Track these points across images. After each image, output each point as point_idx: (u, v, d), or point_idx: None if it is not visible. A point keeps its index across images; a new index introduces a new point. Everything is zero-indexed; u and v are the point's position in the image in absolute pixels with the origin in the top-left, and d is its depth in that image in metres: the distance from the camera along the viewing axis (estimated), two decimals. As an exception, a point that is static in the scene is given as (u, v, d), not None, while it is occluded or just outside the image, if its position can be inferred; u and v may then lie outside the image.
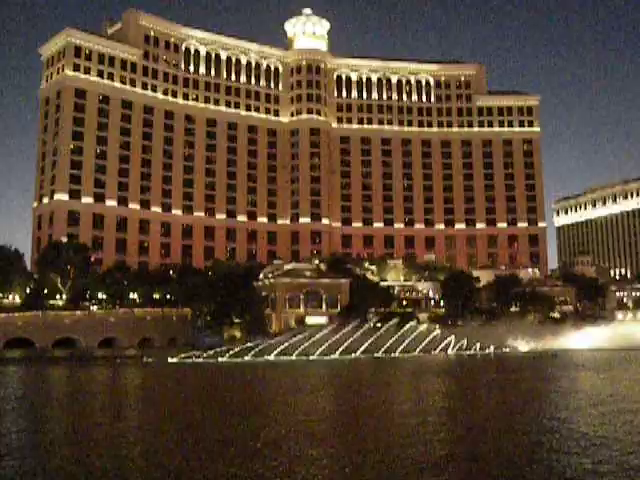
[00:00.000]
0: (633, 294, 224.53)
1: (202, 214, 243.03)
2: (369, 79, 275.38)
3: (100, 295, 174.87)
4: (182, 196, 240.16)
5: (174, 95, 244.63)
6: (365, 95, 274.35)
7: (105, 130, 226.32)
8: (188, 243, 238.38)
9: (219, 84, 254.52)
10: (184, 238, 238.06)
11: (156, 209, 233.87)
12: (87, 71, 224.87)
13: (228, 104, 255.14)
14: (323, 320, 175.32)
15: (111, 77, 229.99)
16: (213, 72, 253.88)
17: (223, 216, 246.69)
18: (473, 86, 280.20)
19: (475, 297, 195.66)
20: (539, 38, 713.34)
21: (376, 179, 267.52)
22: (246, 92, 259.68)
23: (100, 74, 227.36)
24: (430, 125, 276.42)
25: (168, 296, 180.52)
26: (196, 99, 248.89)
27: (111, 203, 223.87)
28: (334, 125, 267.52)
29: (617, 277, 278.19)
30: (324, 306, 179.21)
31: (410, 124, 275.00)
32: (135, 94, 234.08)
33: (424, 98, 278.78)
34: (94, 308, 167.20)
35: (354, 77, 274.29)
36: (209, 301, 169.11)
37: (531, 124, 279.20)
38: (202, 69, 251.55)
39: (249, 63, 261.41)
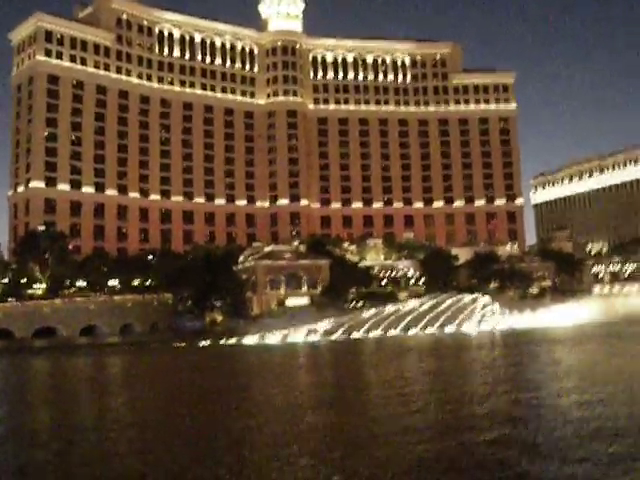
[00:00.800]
0: (609, 268, 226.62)
1: (180, 198, 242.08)
2: (345, 59, 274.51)
3: (79, 283, 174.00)
4: (160, 181, 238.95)
5: (149, 79, 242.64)
6: (341, 75, 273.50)
7: (79, 116, 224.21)
8: (167, 228, 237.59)
9: (194, 67, 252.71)
10: (163, 223, 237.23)
11: (134, 194, 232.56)
12: (59, 56, 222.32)
13: (204, 87, 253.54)
14: (304, 301, 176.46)
15: (84, 62, 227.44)
16: (188, 55, 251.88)
17: (201, 200, 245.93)
18: (449, 64, 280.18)
19: (454, 274, 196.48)
20: (514, 15, 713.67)
21: (354, 159, 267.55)
22: (222, 74, 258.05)
23: (73, 59, 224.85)
24: (407, 104, 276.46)
25: (148, 282, 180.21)
26: (171, 82, 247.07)
27: (88, 190, 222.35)
28: (311, 106, 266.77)
29: (594, 252, 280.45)
30: (304, 287, 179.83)
31: (387, 103, 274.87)
32: (109, 79, 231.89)
33: (400, 77, 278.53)
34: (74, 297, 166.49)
35: (330, 57, 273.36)
36: (189, 285, 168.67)
37: (507, 101, 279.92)
38: (176, 52, 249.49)
39: (224, 45, 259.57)
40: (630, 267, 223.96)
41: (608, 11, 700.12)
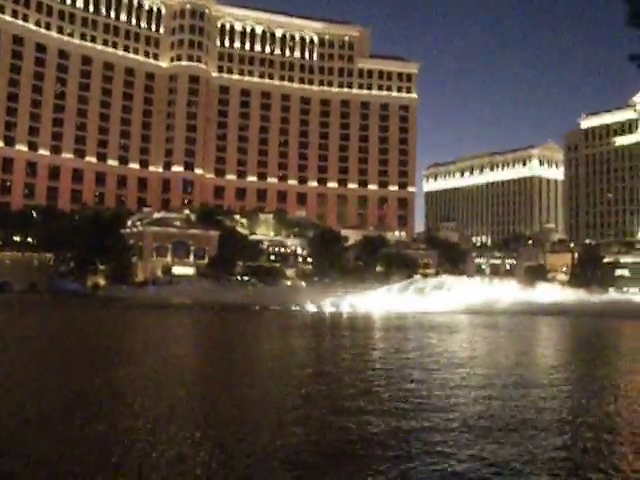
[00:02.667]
0: (491, 261, 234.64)
1: (71, 156, 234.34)
2: (253, 30, 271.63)
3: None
4: (50, 135, 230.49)
5: (48, 28, 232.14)
6: (248, 47, 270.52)
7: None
8: (54, 185, 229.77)
9: (97, 21, 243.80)
10: (50, 180, 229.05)
11: (21, 147, 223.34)
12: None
13: (105, 43, 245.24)
14: (190, 271, 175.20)
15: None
16: (92, 8, 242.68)
17: (93, 159, 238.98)
18: (356, 48, 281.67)
19: (343, 256, 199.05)
20: (425, 5, 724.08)
21: (253, 132, 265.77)
22: (125, 32, 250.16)
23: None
24: (311, 83, 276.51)
25: (30, 239, 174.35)
26: (71, 35, 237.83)
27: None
28: (214, 74, 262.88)
29: (478, 244, 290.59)
30: (192, 257, 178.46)
31: (291, 80, 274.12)
32: (4, 22, 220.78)
33: (307, 55, 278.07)
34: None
35: (238, 27, 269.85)
36: (73, 247, 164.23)
37: (409, 90, 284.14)
38: (79, 3, 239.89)
39: (130, 1, 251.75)
40: (509, 262, 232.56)
41: (517, 14, 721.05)
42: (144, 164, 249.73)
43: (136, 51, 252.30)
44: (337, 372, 34.42)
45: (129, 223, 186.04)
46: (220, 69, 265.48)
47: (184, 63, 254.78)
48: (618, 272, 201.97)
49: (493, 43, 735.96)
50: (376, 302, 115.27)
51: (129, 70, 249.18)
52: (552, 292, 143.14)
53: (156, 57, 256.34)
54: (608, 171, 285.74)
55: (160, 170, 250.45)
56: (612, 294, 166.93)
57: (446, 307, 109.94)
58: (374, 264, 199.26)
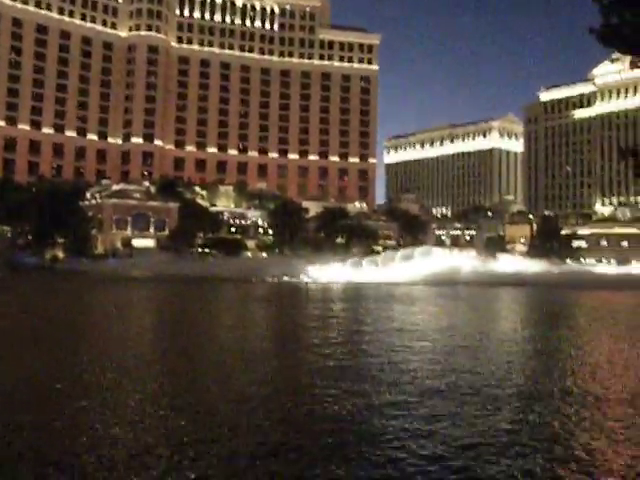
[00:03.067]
0: (451, 232, 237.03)
1: (27, 127, 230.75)
2: (213, 0, 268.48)
3: None
4: (5, 106, 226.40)
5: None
6: (208, 16, 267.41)
7: None
8: (11, 157, 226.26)
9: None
10: (6, 151, 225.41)
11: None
12: None
13: (61, 11, 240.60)
14: (150, 243, 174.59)
15: None
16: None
17: (50, 130, 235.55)
18: (317, 18, 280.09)
19: (303, 227, 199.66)
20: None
21: (213, 103, 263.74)
22: (82, 0, 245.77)
23: None
24: (271, 53, 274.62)
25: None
26: (26, 2, 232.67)
27: None
28: (174, 44, 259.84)
29: (438, 216, 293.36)
30: (152, 229, 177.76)
31: (251, 50, 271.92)
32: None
33: (267, 25, 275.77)
34: None
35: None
36: (31, 219, 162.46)
37: (370, 62, 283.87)
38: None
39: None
40: (469, 233, 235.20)
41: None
42: (103, 135, 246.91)
43: (93, 20, 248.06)
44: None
45: (88, 195, 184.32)
46: (180, 39, 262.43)
47: (143, 33, 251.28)
48: (575, 243, 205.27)
49: (455, 15, 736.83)
50: (342, 273, 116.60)
51: (86, 39, 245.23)
52: (514, 263, 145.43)
53: (114, 26, 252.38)
54: (567, 144, 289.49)
55: (119, 142, 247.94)
56: (571, 265, 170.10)
57: (409, 277, 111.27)
58: (335, 235, 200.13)
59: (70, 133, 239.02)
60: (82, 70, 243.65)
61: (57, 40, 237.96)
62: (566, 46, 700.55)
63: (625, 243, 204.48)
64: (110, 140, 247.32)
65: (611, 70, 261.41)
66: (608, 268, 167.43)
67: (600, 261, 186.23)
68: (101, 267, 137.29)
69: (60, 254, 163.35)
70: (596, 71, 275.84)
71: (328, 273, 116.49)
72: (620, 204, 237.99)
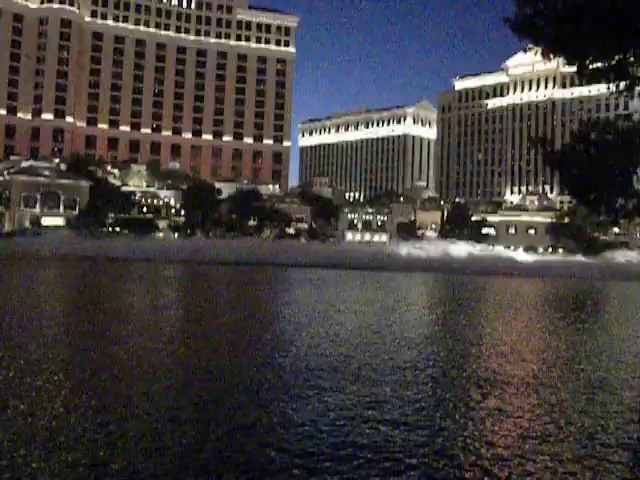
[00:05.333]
0: (363, 217, 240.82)
1: None
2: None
3: None
4: None
5: None
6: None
7: None
8: None
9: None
10: None
11: None
12: None
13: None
14: (60, 222, 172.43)
15: None
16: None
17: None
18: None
19: (216, 209, 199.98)
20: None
21: (126, 81, 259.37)
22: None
23: None
24: (187, 32, 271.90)
25: None
26: None
27: None
28: (87, 19, 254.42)
29: (351, 200, 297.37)
30: (61, 208, 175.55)
31: (167, 28, 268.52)
32: None
33: (185, 3, 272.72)
34: None
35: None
36: None
37: (287, 44, 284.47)
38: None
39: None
40: (381, 218, 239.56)
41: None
42: (12, 110, 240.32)
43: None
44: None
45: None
46: (93, 14, 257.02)
47: (55, 6, 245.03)
48: (485, 230, 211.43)
49: (373, 0, 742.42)
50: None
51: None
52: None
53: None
54: (479, 132, 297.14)
55: (29, 117, 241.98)
56: (495, 250, 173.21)
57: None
58: (247, 218, 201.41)
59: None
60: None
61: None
62: (485, 35, 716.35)
63: (532, 231, 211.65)
64: (20, 115, 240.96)
65: (524, 61, 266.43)
66: (525, 255, 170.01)
67: (508, 248, 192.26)
68: (8, 245, 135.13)
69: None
70: (510, 62, 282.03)
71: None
72: (529, 193, 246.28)
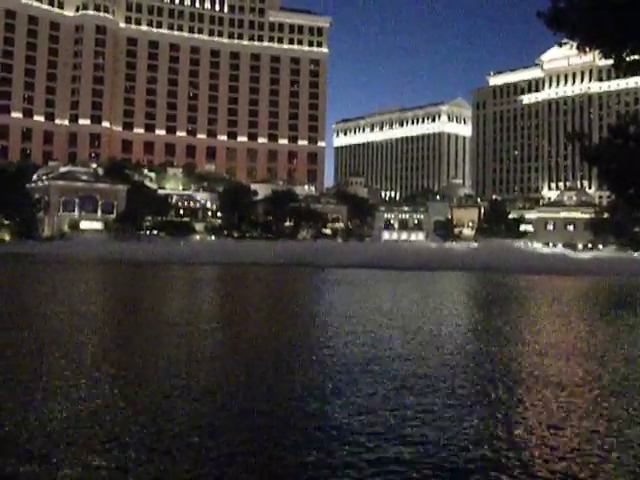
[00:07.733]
0: (399, 216, 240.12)
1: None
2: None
3: None
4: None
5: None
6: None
7: None
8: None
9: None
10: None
11: None
12: None
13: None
14: (98, 226, 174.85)
15: None
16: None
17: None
18: (267, 0, 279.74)
19: (252, 210, 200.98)
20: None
21: (161, 85, 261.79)
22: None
23: None
24: (221, 35, 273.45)
25: None
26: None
27: None
28: (122, 25, 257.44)
29: (387, 199, 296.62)
30: (99, 212, 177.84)
31: (200, 32, 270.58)
32: None
33: (217, 7, 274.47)
34: None
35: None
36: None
37: (320, 45, 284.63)
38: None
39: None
40: (417, 217, 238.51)
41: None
42: (50, 117, 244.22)
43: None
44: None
45: (34, 177, 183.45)
46: (128, 19, 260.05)
47: (90, 12, 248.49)
48: (522, 227, 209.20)
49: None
50: None
51: (33, 19, 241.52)
52: None
53: (61, 5, 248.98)
54: (515, 128, 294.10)
55: (66, 123, 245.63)
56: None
57: None
58: (283, 218, 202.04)
59: (16, 114, 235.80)
60: (28, 50, 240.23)
61: (2, 19, 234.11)
62: (518, 30, 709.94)
63: (571, 227, 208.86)
64: (57, 122, 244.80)
65: (559, 55, 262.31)
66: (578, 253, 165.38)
67: (547, 245, 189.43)
68: (48, 250, 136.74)
69: (6, 236, 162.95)
70: (544, 56, 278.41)
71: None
72: (566, 188, 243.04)
